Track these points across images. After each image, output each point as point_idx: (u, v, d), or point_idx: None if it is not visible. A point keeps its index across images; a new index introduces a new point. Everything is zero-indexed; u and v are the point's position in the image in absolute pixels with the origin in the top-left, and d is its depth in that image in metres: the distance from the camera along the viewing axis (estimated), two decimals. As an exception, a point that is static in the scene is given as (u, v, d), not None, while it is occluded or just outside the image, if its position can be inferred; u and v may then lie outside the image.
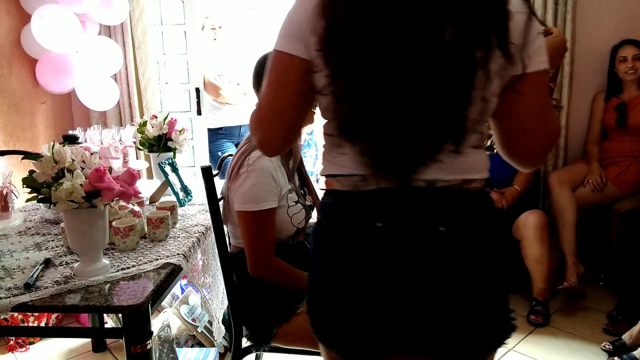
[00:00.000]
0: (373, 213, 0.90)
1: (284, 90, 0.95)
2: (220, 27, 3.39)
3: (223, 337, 2.01)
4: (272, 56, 0.95)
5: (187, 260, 1.50)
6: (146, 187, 2.16)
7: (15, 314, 2.19)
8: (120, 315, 1.45)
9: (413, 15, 0.82)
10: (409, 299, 0.90)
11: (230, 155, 1.73)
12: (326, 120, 0.97)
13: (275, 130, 0.98)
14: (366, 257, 0.91)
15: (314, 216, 1.72)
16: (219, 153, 3.27)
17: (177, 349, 2.08)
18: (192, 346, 2.28)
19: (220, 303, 1.89)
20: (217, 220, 1.64)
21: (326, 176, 0.99)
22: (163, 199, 2.02)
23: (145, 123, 2.24)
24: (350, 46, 0.85)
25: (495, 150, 1.10)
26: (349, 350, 0.96)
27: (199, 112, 3.30)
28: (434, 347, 0.94)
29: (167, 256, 1.47)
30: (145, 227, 1.62)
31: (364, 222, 0.91)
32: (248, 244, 1.54)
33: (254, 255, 1.55)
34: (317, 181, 3.08)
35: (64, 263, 1.44)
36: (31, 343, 2.45)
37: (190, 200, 2.07)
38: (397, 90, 0.85)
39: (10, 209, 1.84)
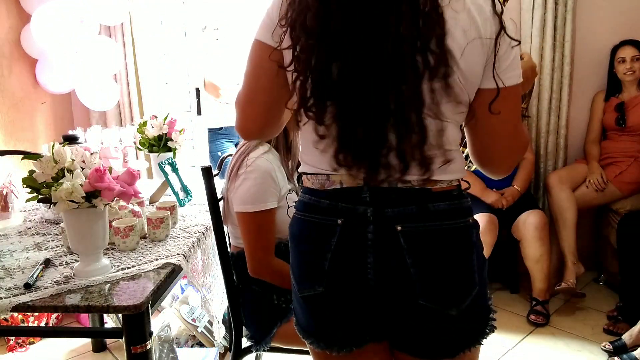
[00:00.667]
0: (335, 211, 0.95)
1: (257, 75, 0.99)
2: (224, 28, 3.39)
3: (223, 337, 2.01)
4: (250, 46, 1.00)
5: (187, 260, 1.50)
6: (146, 187, 2.16)
7: (15, 314, 2.19)
8: (120, 315, 1.45)
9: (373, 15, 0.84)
10: (371, 294, 0.95)
11: (230, 155, 1.73)
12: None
13: (251, 115, 1.03)
14: (326, 252, 0.95)
15: None
16: (219, 153, 3.27)
17: (177, 349, 2.08)
18: (192, 346, 2.28)
19: (220, 303, 1.89)
20: (217, 220, 1.64)
21: (301, 173, 1.04)
22: (163, 199, 2.02)
23: (145, 123, 2.24)
24: (316, 18, 0.87)
25: None
26: (321, 339, 1.03)
27: (199, 112, 3.30)
28: (404, 342, 1.00)
29: (167, 256, 1.47)
30: (145, 227, 1.62)
31: (328, 219, 0.95)
32: (248, 244, 1.54)
33: (254, 256, 1.54)
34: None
35: (64, 263, 1.44)
36: (31, 343, 2.45)
37: (190, 200, 2.07)
38: (359, 74, 0.85)
39: (10, 209, 1.84)
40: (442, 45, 0.83)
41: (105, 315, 2.37)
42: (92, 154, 1.30)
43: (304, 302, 1.01)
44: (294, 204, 1.61)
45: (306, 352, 1.64)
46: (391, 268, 0.93)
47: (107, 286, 1.30)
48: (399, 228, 0.91)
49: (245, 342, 1.69)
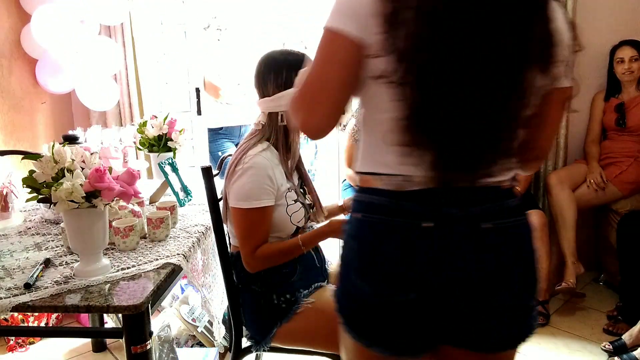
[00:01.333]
0: (421, 213, 0.91)
1: (331, 68, 0.92)
2: (226, 29, 3.40)
3: (223, 337, 2.01)
4: (322, 36, 0.92)
5: (187, 260, 1.50)
6: (146, 187, 2.16)
7: (15, 314, 2.19)
8: (120, 315, 1.45)
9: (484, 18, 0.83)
10: (456, 296, 0.93)
11: (230, 155, 1.73)
12: (370, 112, 0.95)
13: (320, 110, 0.94)
14: (416, 256, 0.91)
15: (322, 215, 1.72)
16: (219, 153, 3.27)
17: (177, 349, 2.08)
18: (192, 346, 2.28)
19: (220, 303, 1.89)
20: (217, 220, 1.64)
21: (365, 173, 0.98)
22: (163, 199, 2.02)
23: (145, 123, 2.24)
24: (425, 33, 0.83)
25: None
26: (397, 346, 0.97)
27: (199, 112, 3.30)
28: (476, 340, 0.98)
29: (167, 256, 1.47)
30: (145, 227, 1.62)
31: (414, 221, 0.91)
32: (239, 239, 1.55)
33: (243, 252, 1.54)
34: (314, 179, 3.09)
35: (64, 263, 1.44)
36: (31, 343, 2.44)
37: (190, 200, 2.07)
38: (469, 89, 0.85)
39: (10, 209, 1.84)
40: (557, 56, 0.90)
41: (105, 315, 2.36)
42: (92, 154, 1.31)
43: (389, 308, 0.95)
44: (293, 202, 1.62)
45: (306, 352, 1.64)
46: (480, 266, 0.93)
47: (107, 286, 1.30)
48: (486, 226, 0.92)
49: (245, 342, 1.69)
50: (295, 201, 1.60)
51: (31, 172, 1.26)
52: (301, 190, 1.68)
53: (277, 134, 1.56)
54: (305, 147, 3.78)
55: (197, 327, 2.28)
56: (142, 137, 2.24)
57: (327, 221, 1.66)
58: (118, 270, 1.37)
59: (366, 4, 0.86)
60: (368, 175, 0.97)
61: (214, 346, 2.23)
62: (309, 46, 3.71)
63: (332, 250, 1.80)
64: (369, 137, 0.97)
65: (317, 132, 0.98)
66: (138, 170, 1.36)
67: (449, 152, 0.88)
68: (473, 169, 0.91)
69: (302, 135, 1.66)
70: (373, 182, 0.95)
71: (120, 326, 1.35)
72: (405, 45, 0.83)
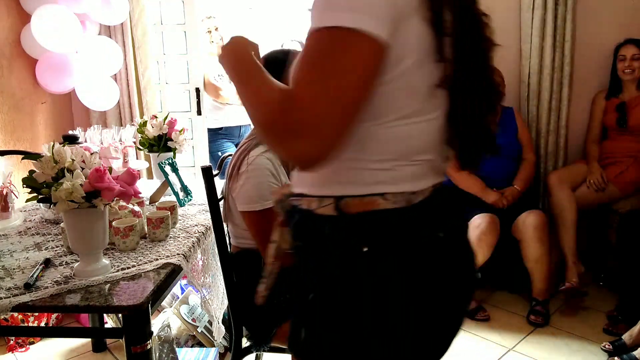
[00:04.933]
0: (433, 224, 0.87)
1: (353, 80, 0.72)
2: (216, 29, 3.39)
3: (223, 337, 2.01)
4: (328, 36, 0.73)
5: (187, 260, 1.50)
6: (146, 187, 2.16)
7: (15, 314, 2.19)
8: (120, 315, 1.45)
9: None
10: (461, 307, 0.95)
11: (230, 155, 1.73)
12: (373, 123, 0.82)
13: (331, 135, 0.72)
14: (439, 274, 0.87)
15: None
16: (219, 153, 3.28)
17: (177, 349, 2.08)
18: (192, 346, 2.28)
19: (220, 303, 1.89)
20: (217, 220, 1.64)
21: (366, 196, 0.82)
22: (163, 199, 2.02)
23: (145, 123, 2.24)
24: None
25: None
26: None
27: (199, 112, 3.31)
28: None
29: (167, 256, 1.47)
30: (145, 227, 1.62)
31: (429, 236, 0.85)
32: (261, 244, 1.53)
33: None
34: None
35: (64, 263, 1.44)
36: (31, 343, 2.45)
37: (190, 200, 2.07)
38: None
39: (10, 209, 1.84)
40: None
41: (105, 315, 2.36)
42: (92, 154, 1.31)
43: (432, 319, 0.89)
44: None
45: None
46: (467, 273, 0.95)
47: (107, 286, 1.30)
48: (459, 224, 0.95)
49: (245, 342, 1.69)
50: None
51: (31, 172, 1.26)
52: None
53: None
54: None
55: (197, 327, 2.28)
56: (142, 137, 2.24)
57: None
58: (118, 270, 1.37)
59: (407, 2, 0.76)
60: (370, 197, 0.82)
61: (214, 346, 2.23)
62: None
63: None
64: (368, 151, 0.82)
65: (317, 162, 0.75)
66: (138, 170, 1.36)
67: (467, 152, 0.92)
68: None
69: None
70: (377, 204, 0.82)
71: (120, 326, 1.35)
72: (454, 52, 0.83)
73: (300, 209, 0.88)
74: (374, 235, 0.82)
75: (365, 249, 0.81)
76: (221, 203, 1.67)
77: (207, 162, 3.25)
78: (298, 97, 0.72)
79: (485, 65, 0.89)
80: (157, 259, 1.44)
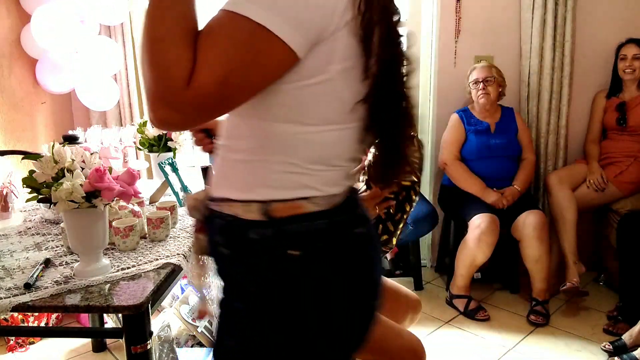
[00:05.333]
0: (354, 222, 0.91)
1: (256, 82, 0.76)
2: None
3: (223, 337, 2.00)
4: (249, 31, 0.73)
5: (187, 260, 1.50)
6: (146, 187, 2.16)
7: (15, 314, 2.19)
8: (120, 315, 1.45)
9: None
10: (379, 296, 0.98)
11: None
12: (297, 125, 0.82)
13: (207, 119, 0.78)
14: (367, 268, 0.92)
15: None
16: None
17: (177, 349, 2.08)
18: (192, 346, 2.28)
19: (220, 303, 1.89)
20: (217, 220, 1.63)
21: (292, 200, 0.83)
22: (163, 199, 2.02)
23: (145, 123, 2.24)
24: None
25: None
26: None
27: (199, 112, 3.30)
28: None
29: (167, 256, 1.47)
30: (145, 227, 1.62)
31: (353, 234, 0.90)
32: None
33: None
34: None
35: (64, 263, 1.44)
36: (31, 343, 2.44)
37: (190, 200, 2.06)
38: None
39: (10, 209, 1.84)
40: None
41: (105, 315, 2.36)
42: (92, 154, 1.31)
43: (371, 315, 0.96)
44: None
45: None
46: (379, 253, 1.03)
47: (107, 286, 1.30)
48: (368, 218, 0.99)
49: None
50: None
51: (31, 172, 1.26)
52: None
53: None
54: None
55: (197, 327, 2.28)
56: (142, 137, 2.24)
57: None
58: (118, 270, 1.37)
59: (337, 13, 0.76)
60: (294, 201, 0.83)
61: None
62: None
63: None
64: (285, 156, 0.82)
65: (176, 130, 0.89)
66: (138, 170, 1.36)
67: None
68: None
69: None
70: (301, 208, 0.83)
71: (120, 326, 1.35)
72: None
73: (223, 215, 0.86)
74: (304, 239, 0.83)
75: (297, 253, 0.82)
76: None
77: (207, 162, 3.24)
78: (200, 84, 0.72)
79: (405, 86, 0.92)
80: (157, 259, 1.44)
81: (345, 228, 0.87)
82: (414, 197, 1.48)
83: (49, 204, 1.25)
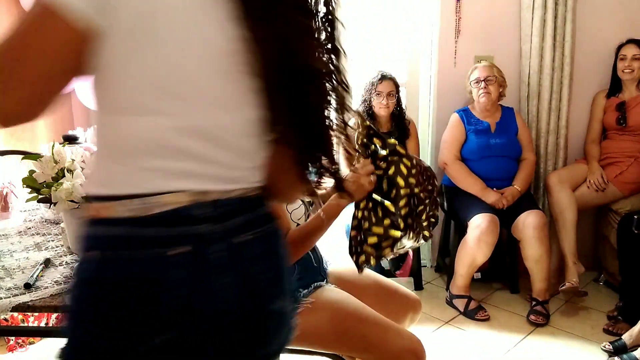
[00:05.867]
0: (169, 238, 0.76)
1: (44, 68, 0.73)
2: None
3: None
4: (32, 11, 0.68)
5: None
6: (146, 187, 2.16)
7: (15, 314, 2.19)
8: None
9: None
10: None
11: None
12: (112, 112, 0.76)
13: (18, 93, 0.73)
14: (169, 291, 0.77)
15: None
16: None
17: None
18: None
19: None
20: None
21: (104, 198, 0.74)
22: (163, 199, 2.02)
23: (145, 123, 2.24)
24: None
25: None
26: None
27: (199, 112, 3.30)
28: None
29: (167, 256, 1.47)
30: (145, 227, 1.62)
31: (155, 256, 0.74)
32: None
33: None
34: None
35: (64, 263, 1.44)
36: (31, 343, 2.44)
37: (190, 200, 2.06)
38: None
39: (10, 209, 1.84)
40: None
41: (105, 315, 2.36)
42: (92, 154, 1.31)
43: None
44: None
45: (306, 352, 1.64)
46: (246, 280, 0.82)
47: (107, 286, 1.30)
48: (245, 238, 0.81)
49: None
50: (295, 199, 1.60)
51: (31, 172, 1.26)
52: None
53: None
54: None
55: (197, 327, 2.28)
56: (142, 137, 2.23)
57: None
58: (118, 270, 1.37)
59: None
60: (101, 202, 0.74)
61: (214, 346, 2.23)
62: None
63: (329, 251, 1.80)
64: (104, 150, 0.76)
65: (10, 119, 0.76)
66: (138, 170, 1.36)
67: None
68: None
69: None
70: (109, 210, 0.73)
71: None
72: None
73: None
74: (102, 242, 0.74)
75: (93, 256, 0.74)
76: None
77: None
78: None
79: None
80: (157, 259, 1.44)
81: (149, 246, 0.72)
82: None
83: (49, 204, 1.25)
